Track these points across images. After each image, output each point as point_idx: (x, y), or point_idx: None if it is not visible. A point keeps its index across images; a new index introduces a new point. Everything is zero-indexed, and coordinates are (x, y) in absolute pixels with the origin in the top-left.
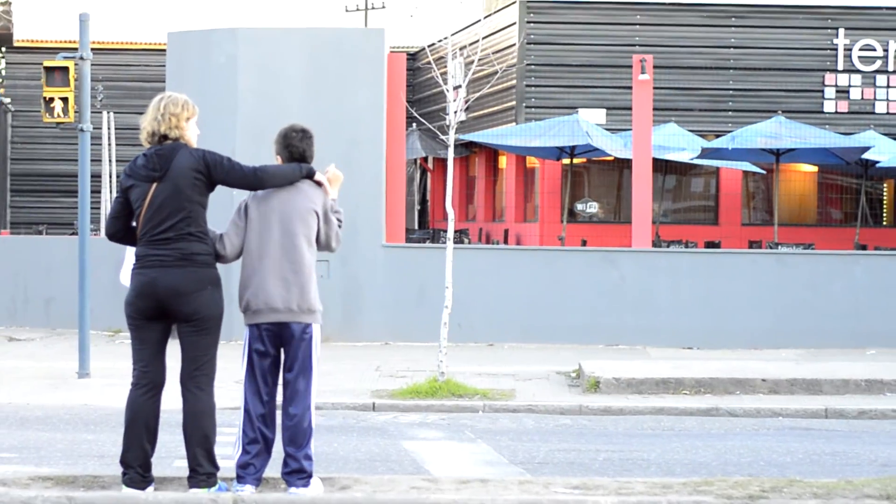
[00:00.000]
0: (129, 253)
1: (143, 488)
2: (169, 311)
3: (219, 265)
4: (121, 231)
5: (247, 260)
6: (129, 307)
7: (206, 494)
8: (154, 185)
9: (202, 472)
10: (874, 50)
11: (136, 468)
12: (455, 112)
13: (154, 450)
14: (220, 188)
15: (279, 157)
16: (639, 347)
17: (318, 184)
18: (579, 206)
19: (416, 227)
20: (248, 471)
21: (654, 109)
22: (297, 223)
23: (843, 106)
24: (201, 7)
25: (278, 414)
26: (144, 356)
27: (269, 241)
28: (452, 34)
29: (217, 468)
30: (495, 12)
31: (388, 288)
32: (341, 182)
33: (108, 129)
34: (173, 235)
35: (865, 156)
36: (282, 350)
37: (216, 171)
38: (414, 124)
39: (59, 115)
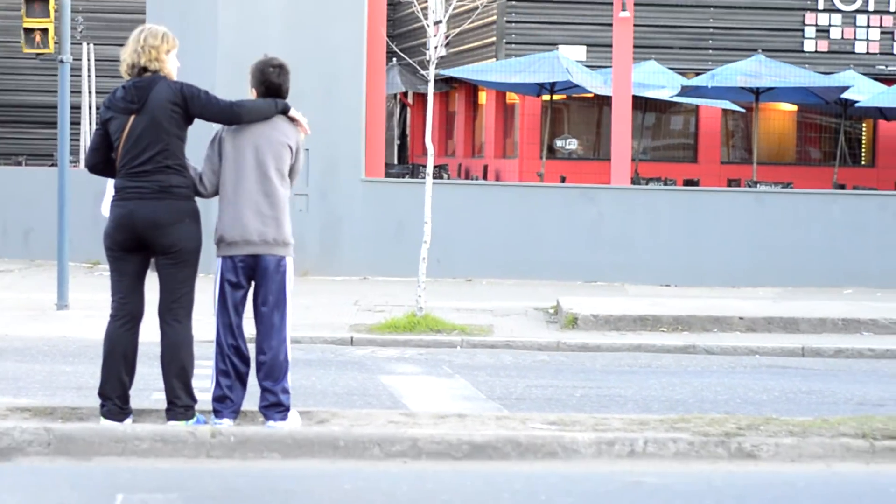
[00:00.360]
0: (110, 185)
1: (120, 420)
2: (147, 243)
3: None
4: (100, 163)
5: (221, 192)
6: (108, 239)
7: (184, 427)
8: (132, 118)
9: (180, 404)
10: None
11: (114, 399)
12: (435, 47)
13: (132, 382)
14: (201, 122)
15: (254, 91)
16: (617, 284)
17: (293, 120)
18: (559, 143)
19: (396, 162)
20: (225, 404)
21: (635, 47)
22: (271, 157)
23: (823, 45)
24: None
25: (251, 347)
26: (123, 288)
27: (244, 174)
28: None
29: (195, 401)
30: None
31: (367, 222)
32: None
33: (88, 60)
34: (151, 168)
35: (845, 95)
36: (253, 283)
37: (193, 104)
38: (394, 59)
39: (38, 46)
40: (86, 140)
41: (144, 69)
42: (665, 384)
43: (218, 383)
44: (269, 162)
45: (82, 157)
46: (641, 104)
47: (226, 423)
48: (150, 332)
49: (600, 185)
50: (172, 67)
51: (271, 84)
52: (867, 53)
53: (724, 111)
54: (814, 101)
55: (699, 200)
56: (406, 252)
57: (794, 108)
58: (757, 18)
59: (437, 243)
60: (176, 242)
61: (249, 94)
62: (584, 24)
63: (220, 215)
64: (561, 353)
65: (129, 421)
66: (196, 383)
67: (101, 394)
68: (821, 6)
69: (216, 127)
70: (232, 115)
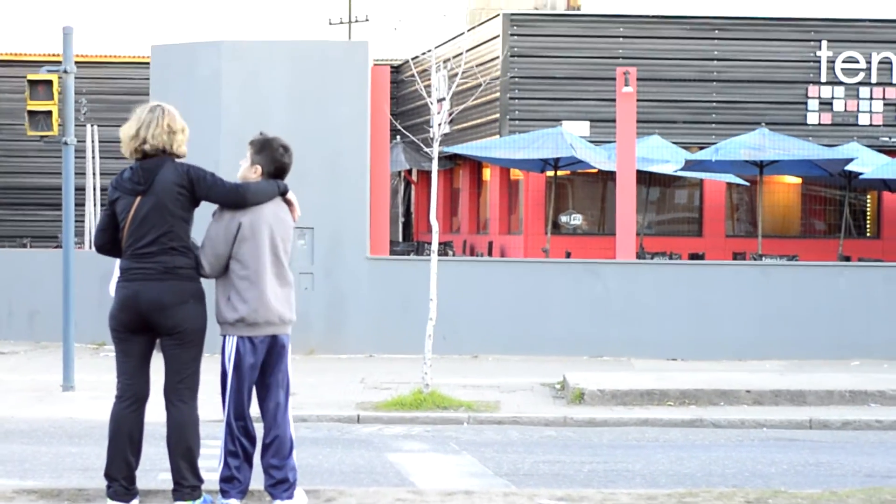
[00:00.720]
0: (117, 265)
1: (127, 501)
2: (152, 324)
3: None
4: (108, 243)
5: (241, 273)
6: (113, 320)
7: None
8: (138, 199)
9: (186, 484)
10: (857, 62)
11: (121, 481)
12: (439, 124)
13: (138, 462)
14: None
15: (258, 167)
16: (623, 359)
17: (288, 202)
18: (563, 219)
19: (401, 239)
20: (232, 484)
21: (638, 121)
22: (281, 239)
23: (827, 118)
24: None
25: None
26: (128, 369)
27: (264, 256)
28: (436, 47)
29: (201, 481)
30: (478, 25)
31: (372, 300)
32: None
33: (92, 142)
34: (156, 249)
35: (849, 167)
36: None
37: (199, 187)
38: (398, 137)
39: (42, 128)
40: (90, 221)
41: (162, 151)
42: (673, 458)
43: (227, 464)
44: (280, 244)
45: (87, 238)
46: (645, 179)
47: (233, 503)
48: (156, 412)
49: (605, 261)
50: (184, 148)
51: (281, 166)
52: (871, 125)
53: (729, 185)
54: (818, 174)
55: (704, 274)
56: (412, 329)
57: (799, 180)
58: (760, 92)
59: (442, 320)
60: (180, 323)
61: (249, 169)
62: (588, 99)
63: (236, 296)
64: (568, 428)
65: (135, 502)
66: (202, 463)
67: (108, 475)
68: (824, 79)
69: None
70: (238, 199)
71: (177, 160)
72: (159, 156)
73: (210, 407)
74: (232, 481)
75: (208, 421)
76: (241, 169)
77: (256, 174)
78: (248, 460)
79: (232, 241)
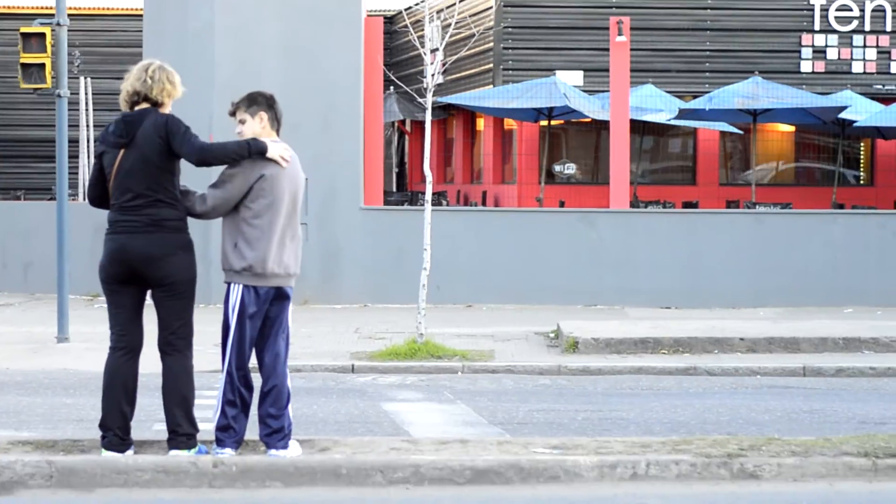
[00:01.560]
0: None
1: (122, 451)
2: (141, 276)
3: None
4: (99, 197)
5: (252, 222)
6: (102, 272)
7: (187, 457)
8: (122, 152)
9: (181, 432)
10: (850, 10)
11: (115, 430)
12: (432, 75)
13: (133, 413)
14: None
15: (263, 115)
16: (617, 308)
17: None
18: (557, 168)
19: (395, 189)
20: (228, 434)
21: (632, 71)
22: (301, 192)
23: (820, 66)
24: None
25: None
26: (121, 320)
27: (280, 208)
28: None
29: (197, 430)
30: None
31: (366, 250)
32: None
33: (86, 94)
34: (142, 202)
35: (842, 115)
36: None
37: (174, 140)
38: (391, 87)
39: (36, 81)
40: (84, 174)
41: (146, 98)
42: (667, 406)
43: (223, 412)
44: (300, 197)
45: (81, 190)
46: (639, 128)
47: (228, 452)
48: (150, 363)
49: (599, 209)
50: (168, 109)
51: (281, 120)
52: (864, 73)
53: (722, 133)
54: (812, 122)
55: (698, 222)
56: (406, 279)
57: (792, 128)
58: (753, 41)
59: (436, 270)
60: (169, 275)
61: (254, 118)
62: (581, 49)
63: (244, 244)
64: (562, 377)
65: (130, 452)
66: (198, 413)
67: (102, 425)
68: (817, 27)
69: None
70: (200, 159)
71: (159, 111)
72: (146, 109)
73: (205, 357)
74: (228, 430)
75: (204, 371)
76: (244, 127)
77: (263, 125)
78: (246, 410)
79: (247, 189)
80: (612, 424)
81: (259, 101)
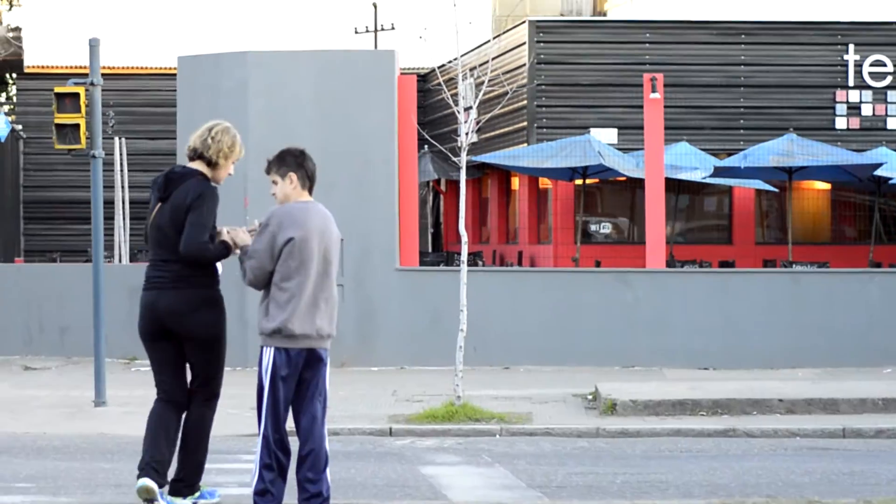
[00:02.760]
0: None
1: (156, 482)
2: (171, 331)
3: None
4: None
5: (282, 285)
6: (139, 328)
7: None
8: (159, 206)
9: (177, 478)
10: (885, 65)
11: (151, 463)
12: (466, 133)
13: (171, 456)
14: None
15: (293, 175)
16: (655, 369)
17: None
18: (593, 227)
19: (430, 249)
20: (266, 498)
21: (666, 128)
22: (334, 251)
23: (855, 122)
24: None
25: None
26: (162, 376)
27: (310, 270)
28: (462, 55)
29: (198, 478)
30: (504, 32)
31: (402, 312)
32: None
33: (120, 154)
34: (171, 258)
35: (878, 172)
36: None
37: (190, 213)
38: (426, 146)
39: (70, 142)
40: (119, 235)
41: (201, 157)
42: (706, 468)
43: (261, 477)
44: (332, 258)
45: (116, 252)
46: (674, 186)
47: None
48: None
49: (635, 269)
50: (224, 173)
51: (312, 174)
52: None
53: (758, 191)
54: (847, 179)
55: (735, 282)
56: (442, 341)
57: (828, 186)
58: (788, 97)
59: (473, 331)
60: (193, 330)
61: (283, 180)
62: (615, 106)
63: (275, 307)
64: (600, 439)
65: (165, 490)
66: (235, 477)
67: (140, 465)
68: (851, 83)
69: (269, 209)
70: (187, 252)
71: (202, 179)
72: (192, 169)
73: (242, 420)
74: (265, 495)
75: (241, 435)
76: (276, 189)
77: (294, 186)
78: (283, 474)
79: (278, 255)
80: (651, 487)
81: (288, 162)
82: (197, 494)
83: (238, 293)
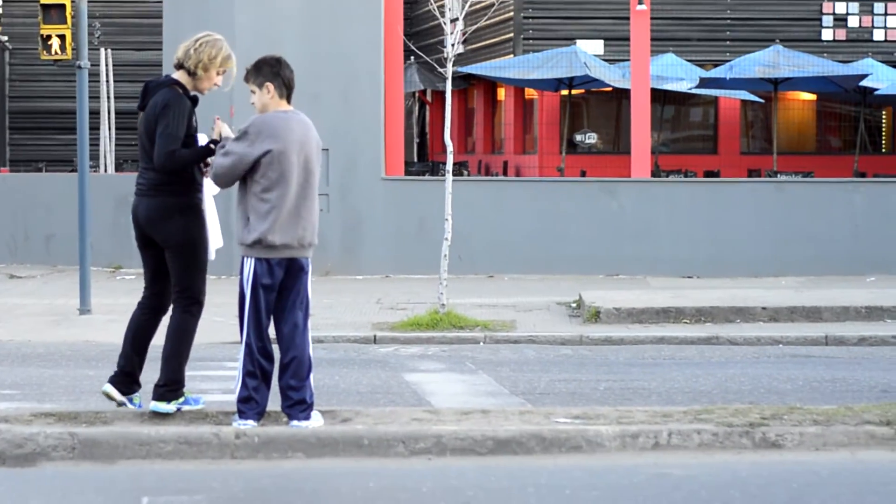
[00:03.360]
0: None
1: (124, 392)
2: (151, 237)
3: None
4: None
5: (262, 196)
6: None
7: (209, 428)
8: (139, 115)
9: (160, 383)
10: None
11: (121, 370)
12: (453, 45)
13: (141, 363)
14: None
15: (269, 85)
16: (639, 277)
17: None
18: (578, 137)
19: (416, 160)
20: (250, 405)
21: (652, 40)
22: (315, 160)
23: (841, 34)
24: None
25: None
26: (146, 280)
27: (290, 180)
28: None
29: (181, 383)
30: None
31: (388, 221)
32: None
33: (106, 65)
34: (146, 165)
35: (864, 83)
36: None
37: (156, 126)
38: (412, 58)
39: (56, 53)
40: (105, 145)
41: (181, 66)
42: (689, 376)
43: (244, 384)
44: (312, 168)
45: (102, 162)
46: (660, 97)
47: (250, 424)
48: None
49: (620, 179)
50: (207, 84)
51: (289, 81)
52: (885, 41)
53: (743, 102)
54: (833, 90)
55: (720, 191)
56: (427, 250)
57: (814, 97)
58: (774, 8)
59: (458, 240)
60: (167, 237)
61: (260, 90)
62: (602, 18)
63: (255, 217)
64: (584, 346)
65: (135, 396)
66: (220, 384)
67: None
68: None
69: (248, 119)
70: (160, 164)
71: (172, 88)
72: (168, 78)
73: (227, 329)
74: (249, 402)
75: (226, 343)
76: (255, 98)
77: (271, 95)
78: (267, 381)
79: (252, 163)
80: (633, 394)
81: (264, 72)
82: (181, 400)
83: (224, 204)
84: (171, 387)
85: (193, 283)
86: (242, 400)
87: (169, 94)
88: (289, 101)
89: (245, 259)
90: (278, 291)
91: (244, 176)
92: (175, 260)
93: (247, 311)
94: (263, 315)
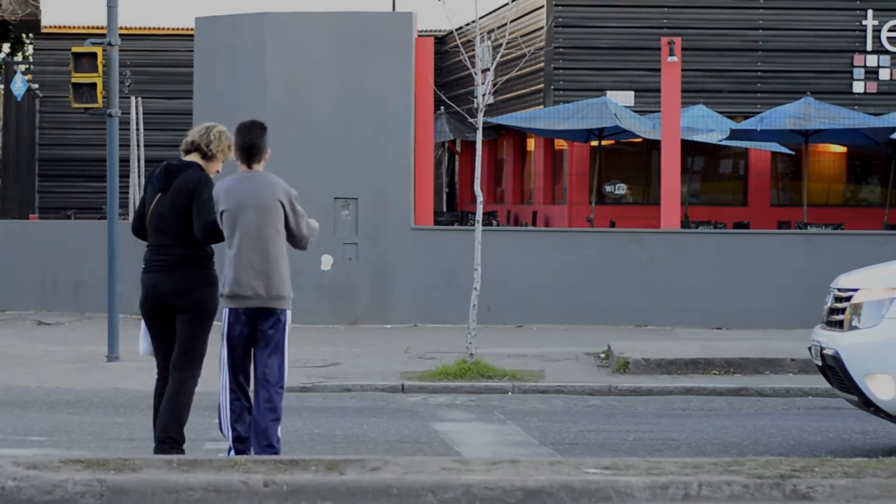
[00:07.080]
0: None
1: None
2: (171, 308)
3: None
4: (140, 229)
5: (227, 253)
6: (142, 308)
7: (238, 476)
8: (159, 195)
9: (162, 439)
10: None
11: (164, 438)
12: (483, 95)
13: (181, 425)
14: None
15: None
16: (668, 328)
17: None
18: (608, 188)
19: (445, 209)
20: (246, 444)
21: (683, 91)
22: (267, 215)
23: (872, 86)
24: None
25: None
26: (159, 357)
27: (242, 236)
28: (480, 17)
29: (181, 440)
30: None
31: (416, 270)
32: None
33: (136, 113)
34: (170, 241)
35: (894, 136)
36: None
37: (194, 201)
38: (442, 108)
39: (87, 101)
40: (134, 193)
41: (198, 149)
42: (718, 427)
43: (231, 427)
44: (267, 223)
45: (131, 210)
46: (690, 148)
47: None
48: (206, 382)
49: (650, 230)
50: (217, 167)
51: (250, 150)
52: None
53: (774, 154)
54: (863, 143)
55: (749, 243)
56: (456, 299)
57: (844, 149)
58: (805, 61)
59: (487, 290)
60: (194, 306)
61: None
62: (632, 69)
63: (225, 272)
64: (613, 397)
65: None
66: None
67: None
68: (869, 48)
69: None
70: (203, 235)
71: (199, 169)
72: (189, 161)
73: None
74: (244, 442)
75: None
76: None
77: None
78: (242, 414)
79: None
80: (663, 445)
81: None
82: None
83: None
84: (170, 444)
85: (199, 349)
86: (234, 440)
87: (200, 174)
88: (250, 163)
89: (224, 310)
90: (254, 338)
91: None
92: (190, 325)
93: (222, 357)
94: (237, 361)
